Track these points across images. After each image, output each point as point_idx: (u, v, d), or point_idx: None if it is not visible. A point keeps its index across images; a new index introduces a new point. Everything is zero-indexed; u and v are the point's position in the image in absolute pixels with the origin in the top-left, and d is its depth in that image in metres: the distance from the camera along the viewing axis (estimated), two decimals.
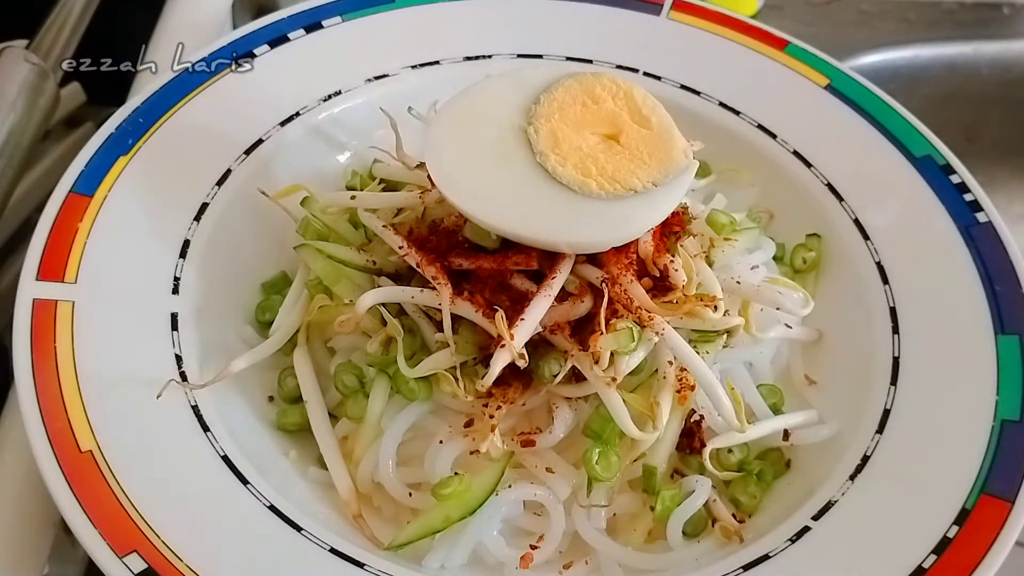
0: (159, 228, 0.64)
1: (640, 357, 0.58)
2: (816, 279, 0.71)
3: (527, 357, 0.54)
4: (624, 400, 0.56)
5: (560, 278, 0.57)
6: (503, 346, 0.54)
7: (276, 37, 0.76)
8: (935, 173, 0.71)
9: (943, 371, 0.61)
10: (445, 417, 0.60)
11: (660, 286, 0.60)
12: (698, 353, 0.59)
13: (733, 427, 0.58)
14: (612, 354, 0.56)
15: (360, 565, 0.53)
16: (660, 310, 0.57)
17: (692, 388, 0.59)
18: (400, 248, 0.60)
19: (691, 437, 0.61)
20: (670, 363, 0.59)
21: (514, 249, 0.58)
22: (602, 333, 0.55)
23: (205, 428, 0.56)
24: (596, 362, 0.55)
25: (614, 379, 0.56)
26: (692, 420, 0.61)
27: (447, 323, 0.56)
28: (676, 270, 0.59)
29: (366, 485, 0.59)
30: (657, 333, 0.57)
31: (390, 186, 0.71)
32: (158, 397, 0.55)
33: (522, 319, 0.55)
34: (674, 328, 0.58)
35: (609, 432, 0.57)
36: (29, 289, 0.57)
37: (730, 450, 0.61)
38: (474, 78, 0.75)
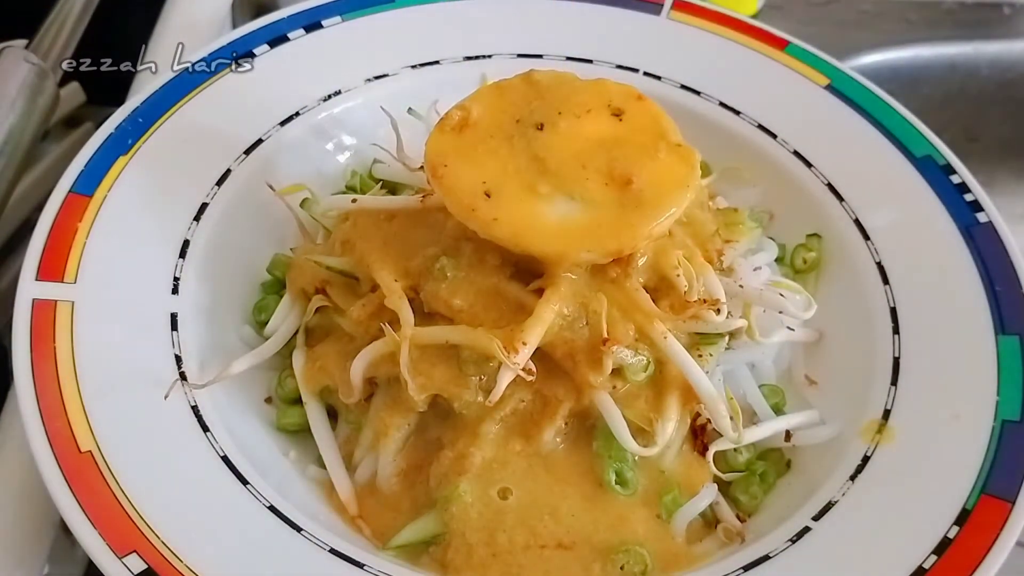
0: (159, 228, 0.64)
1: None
2: (816, 279, 0.71)
3: (535, 371, 0.54)
4: (623, 413, 0.56)
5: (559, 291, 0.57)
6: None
7: (276, 37, 0.76)
8: (935, 173, 0.71)
9: (943, 371, 0.61)
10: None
11: (663, 292, 0.59)
12: (700, 354, 0.59)
13: (730, 439, 0.58)
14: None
15: (360, 565, 0.52)
16: (664, 316, 0.57)
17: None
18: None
19: (696, 439, 0.60)
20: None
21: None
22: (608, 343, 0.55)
23: (205, 428, 0.56)
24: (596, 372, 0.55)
25: (615, 387, 0.56)
26: (697, 423, 0.61)
27: (404, 359, 0.55)
28: (678, 275, 0.59)
29: (365, 488, 0.59)
30: (658, 340, 0.57)
31: (390, 187, 0.71)
32: (166, 397, 0.55)
33: (523, 344, 0.54)
34: (675, 329, 0.58)
35: (616, 447, 0.57)
36: (29, 289, 0.57)
37: (736, 450, 0.61)
38: (474, 78, 0.76)
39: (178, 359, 0.58)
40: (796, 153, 0.74)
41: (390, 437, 0.58)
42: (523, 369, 0.54)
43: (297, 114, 0.73)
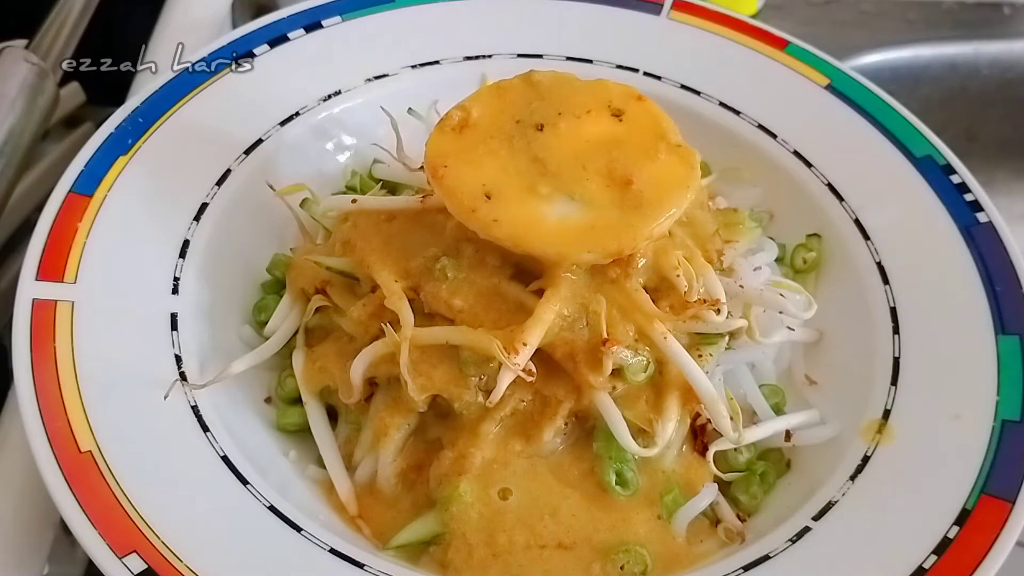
0: (159, 228, 0.64)
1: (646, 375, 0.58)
2: (816, 279, 0.71)
3: (535, 371, 0.54)
4: (623, 414, 0.56)
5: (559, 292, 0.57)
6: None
7: (276, 37, 0.76)
8: (935, 173, 0.71)
9: (943, 371, 0.61)
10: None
11: (663, 292, 0.59)
12: (700, 354, 0.59)
13: (730, 439, 0.58)
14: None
15: (360, 565, 0.52)
16: (664, 316, 0.57)
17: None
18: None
19: (696, 439, 0.60)
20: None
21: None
22: (608, 343, 0.55)
23: (205, 428, 0.56)
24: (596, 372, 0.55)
25: (615, 388, 0.56)
26: (697, 423, 0.61)
27: (404, 360, 0.55)
28: (678, 276, 0.59)
29: (365, 488, 0.59)
30: (658, 340, 0.57)
31: (390, 188, 0.71)
32: (165, 397, 0.55)
33: (524, 344, 0.54)
34: (675, 329, 0.58)
35: (616, 448, 0.57)
36: (28, 289, 0.57)
37: (737, 450, 0.61)
38: (474, 78, 0.76)
39: (178, 359, 0.58)
40: (796, 153, 0.74)
41: (390, 437, 0.58)
42: (523, 370, 0.54)
43: (297, 114, 0.73)
